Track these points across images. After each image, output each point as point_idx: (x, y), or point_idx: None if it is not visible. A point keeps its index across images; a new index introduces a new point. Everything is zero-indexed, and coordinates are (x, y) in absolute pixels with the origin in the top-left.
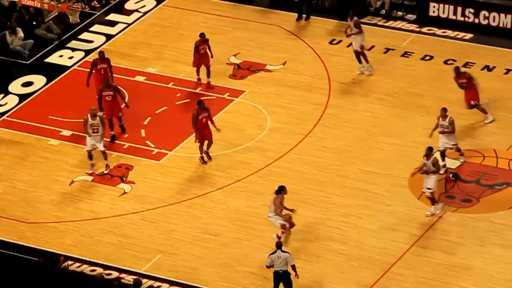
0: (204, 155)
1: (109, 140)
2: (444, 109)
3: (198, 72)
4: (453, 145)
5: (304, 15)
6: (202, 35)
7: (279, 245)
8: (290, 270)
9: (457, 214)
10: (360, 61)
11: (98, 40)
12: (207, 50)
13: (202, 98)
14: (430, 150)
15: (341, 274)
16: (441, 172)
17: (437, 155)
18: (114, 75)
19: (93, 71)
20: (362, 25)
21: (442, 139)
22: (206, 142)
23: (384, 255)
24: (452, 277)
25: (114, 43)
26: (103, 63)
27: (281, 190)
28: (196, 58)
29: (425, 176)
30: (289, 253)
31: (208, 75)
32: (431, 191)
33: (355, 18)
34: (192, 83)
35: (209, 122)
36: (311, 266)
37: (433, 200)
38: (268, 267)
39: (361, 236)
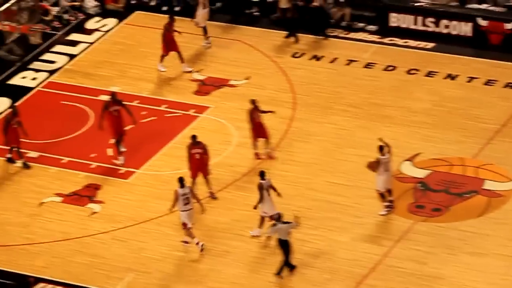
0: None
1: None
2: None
3: (255, 145)
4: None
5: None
6: (254, 101)
7: (277, 218)
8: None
9: (427, 223)
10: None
11: (61, 60)
12: (260, 114)
13: (166, 115)
14: (262, 174)
15: None
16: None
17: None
18: (78, 94)
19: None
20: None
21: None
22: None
23: (356, 267)
24: (425, 287)
25: (77, 63)
26: (115, 105)
27: None
28: (254, 129)
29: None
30: (289, 222)
31: (267, 145)
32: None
33: None
34: (156, 101)
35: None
36: (283, 280)
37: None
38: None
39: (333, 249)
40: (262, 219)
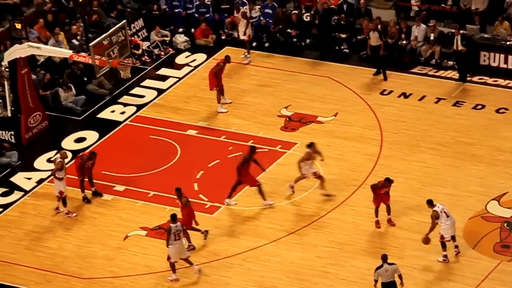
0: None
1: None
2: (428, 202)
3: (377, 212)
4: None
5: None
6: (388, 180)
7: (384, 258)
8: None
9: None
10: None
11: (150, 94)
12: (387, 190)
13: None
14: (173, 217)
15: None
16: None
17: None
18: (166, 129)
19: None
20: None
21: None
22: None
23: None
24: None
25: (165, 98)
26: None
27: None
28: (378, 198)
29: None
30: (395, 264)
31: (388, 211)
32: (171, 260)
33: (242, 9)
34: (243, 136)
35: None
36: None
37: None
38: (375, 281)
39: (417, 287)
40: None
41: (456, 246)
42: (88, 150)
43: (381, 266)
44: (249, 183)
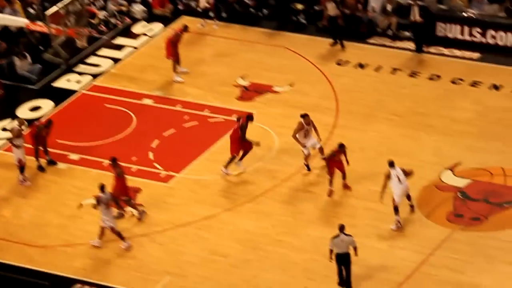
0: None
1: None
2: (389, 162)
3: (331, 182)
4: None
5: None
6: (342, 145)
7: (341, 228)
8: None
9: (465, 232)
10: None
11: (106, 64)
12: (342, 156)
13: (209, 119)
14: (101, 188)
15: None
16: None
17: None
18: (122, 98)
19: None
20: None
21: None
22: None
23: (394, 274)
24: None
25: (121, 67)
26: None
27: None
28: (332, 165)
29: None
30: (352, 236)
31: (344, 177)
32: (114, 230)
33: None
34: (199, 106)
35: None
36: (319, 286)
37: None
38: (330, 250)
39: (370, 256)
40: (103, 230)
41: (412, 206)
42: (43, 119)
43: (337, 236)
44: (231, 150)
